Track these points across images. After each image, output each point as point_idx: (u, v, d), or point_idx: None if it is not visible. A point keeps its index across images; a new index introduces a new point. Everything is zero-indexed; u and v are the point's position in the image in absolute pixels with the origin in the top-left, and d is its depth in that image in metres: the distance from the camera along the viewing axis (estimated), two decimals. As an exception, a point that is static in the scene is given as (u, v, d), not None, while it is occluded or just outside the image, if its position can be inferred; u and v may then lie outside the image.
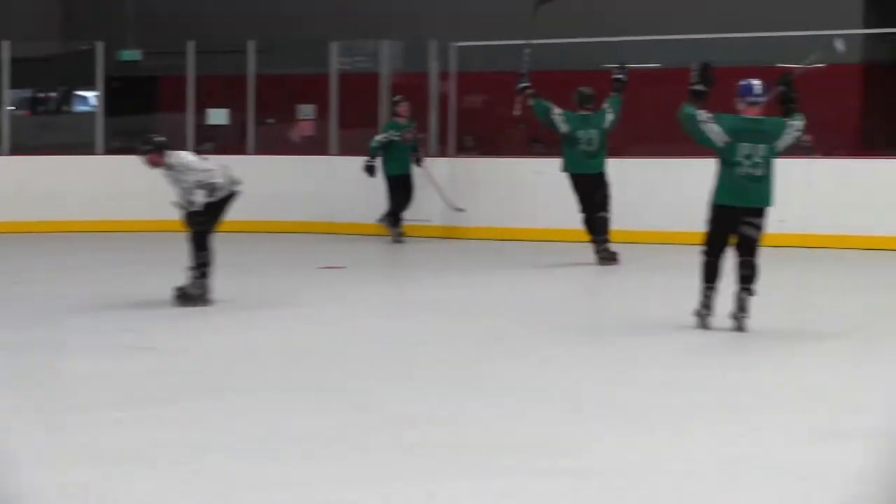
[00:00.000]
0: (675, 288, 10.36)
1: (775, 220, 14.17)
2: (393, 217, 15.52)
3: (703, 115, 9.24)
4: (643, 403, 7.00)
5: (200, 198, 10.28)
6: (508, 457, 5.93)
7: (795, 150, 13.40)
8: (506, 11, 18.38)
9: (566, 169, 13.36)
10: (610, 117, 13.34)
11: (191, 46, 17.47)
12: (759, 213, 9.31)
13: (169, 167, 10.32)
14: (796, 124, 9.34)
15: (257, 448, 6.09)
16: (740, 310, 9.16)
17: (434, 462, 5.86)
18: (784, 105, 9.46)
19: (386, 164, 15.53)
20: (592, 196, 13.18)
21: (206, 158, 10.62)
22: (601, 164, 13.26)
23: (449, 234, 15.81)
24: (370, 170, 15.37)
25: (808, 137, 15.56)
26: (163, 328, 9.60)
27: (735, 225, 9.27)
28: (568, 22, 17.43)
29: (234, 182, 10.52)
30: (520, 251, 14.62)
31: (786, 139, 9.32)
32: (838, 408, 6.89)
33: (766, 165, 9.25)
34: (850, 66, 15.24)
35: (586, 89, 13.56)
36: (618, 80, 13.55)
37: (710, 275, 9.31)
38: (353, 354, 8.59)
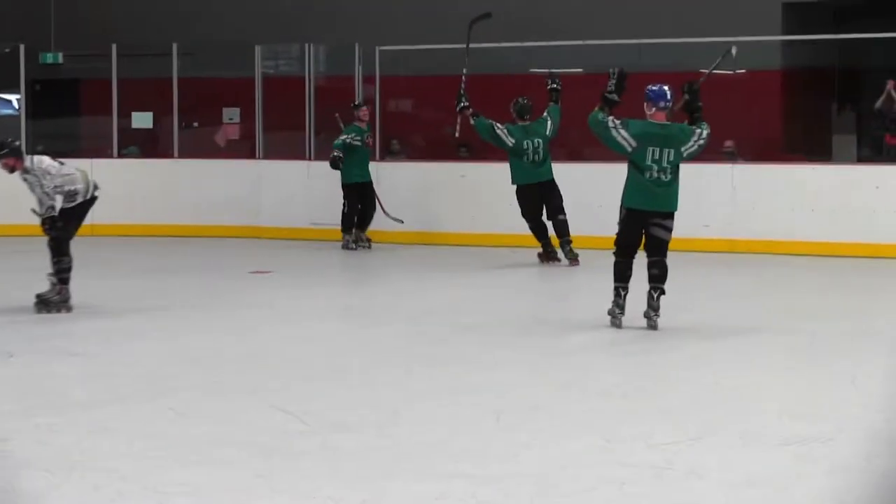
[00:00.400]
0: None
1: (700, 226, 14.58)
2: (347, 222, 15.25)
3: (612, 120, 9.46)
4: (572, 407, 7.06)
5: (59, 203, 10.18)
6: (442, 462, 5.97)
7: (719, 156, 13.66)
8: (430, 15, 18.46)
9: (516, 181, 13.57)
10: (550, 125, 13.49)
11: (114, 49, 17.34)
12: (667, 215, 9.53)
13: (26, 171, 10.19)
14: (702, 132, 9.54)
15: (190, 453, 6.08)
16: (652, 308, 9.45)
17: (367, 468, 5.88)
18: (689, 113, 9.67)
19: (345, 169, 15.21)
20: (549, 202, 13.50)
21: (63, 163, 10.47)
22: (550, 171, 13.57)
23: (378, 239, 15.81)
24: (336, 162, 15.08)
25: (730, 143, 15.86)
26: (92, 333, 9.54)
27: (645, 227, 9.52)
28: (493, 26, 17.51)
29: (94, 187, 10.42)
30: (447, 255, 14.66)
31: (691, 146, 9.51)
32: (761, 409, 6.99)
33: (673, 171, 9.48)
34: (769, 73, 15.46)
35: (524, 100, 13.70)
36: (553, 90, 13.67)
37: (621, 275, 9.59)
38: (283, 359, 8.58)
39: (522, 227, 14.05)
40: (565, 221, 13.51)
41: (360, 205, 15.25)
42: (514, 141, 13.46)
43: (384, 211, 15.17)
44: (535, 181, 13.53)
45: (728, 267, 13.49)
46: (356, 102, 15.66)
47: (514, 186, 13.65)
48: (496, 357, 8.65)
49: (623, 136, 9.42)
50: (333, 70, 17.89)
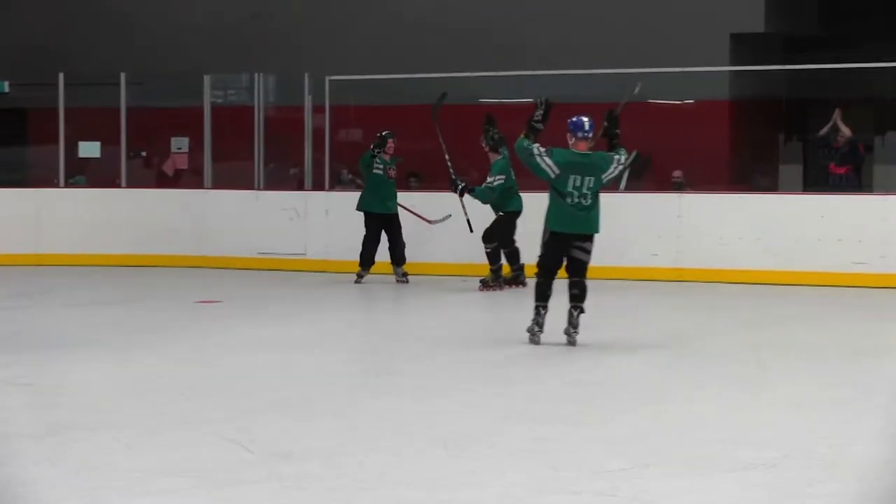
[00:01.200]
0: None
1: (648, 255, 14.67)
2: (363, 255, 14.75)
3: (537, 148, 9.96)
4: (519, 435, 7.05)
5: None
6: (389, 491, 5.95)
7: (667, 186, 13.77)
8: (380, 46, 18.52)
9: (511, 207, 13.83)
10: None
11: (61, 78, 17.27)
12: (587, 238, 10.07)
13: None
14: (620, 158, 10.07)
15: (134, 484, 6.03)
16: (571, 326, 9.98)
17: (313, 497, 5.85)
18: (608, 140, 10.25)
19: (366, 198, 14.85)
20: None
21: None
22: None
23: (325, 268, 15.80)
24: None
25: (679, 173, 15.98)
26: (36, 363, 9.46)
27: (567, 249, 10.05)
28: (443, 56, 17.60)
29: None
30: (394, 284, 14.66)
31: (611, 172, 10.05)
32: (706, 437, 7.02)
33: (593, 196, 9.99)
34: (718, 103, 15.58)
35: (497, 134, 13.85)
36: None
37: (542, 294, 10.10)
38: (229, 389, 8.54)
39: (473, 256, 14.11)
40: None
41: (386, 238, 14.77)
42: (510, 181, 13.75)
43: (428, 220, 14.93)
44: (519, 210, 13.81)
45: (675, 296, 13.56)
46: (382, 133, 14.95)
47: (501, 214, 13.88)
48: (441, 385, 8.64)
49: (547, 164, 9.93)
50: (283, 100, 17.90)
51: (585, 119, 10.05)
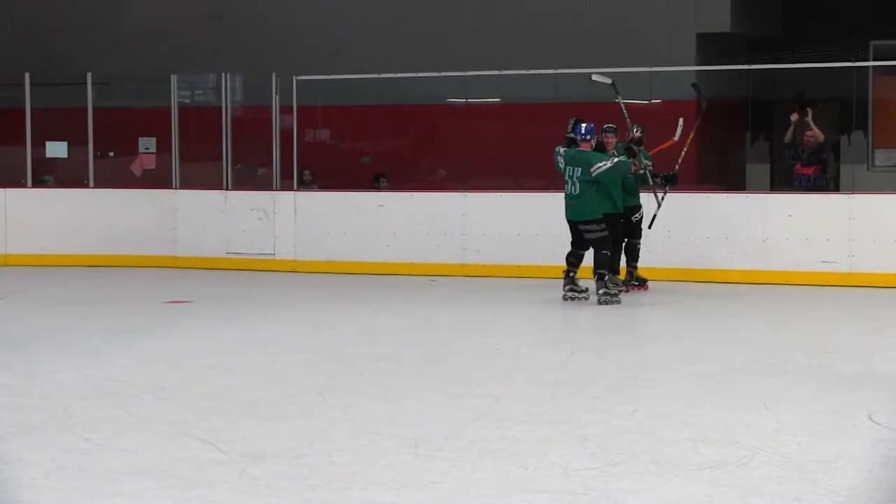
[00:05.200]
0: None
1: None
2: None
3: (559, 149, 12.77)
4: (490, 435, 7.08)
5: None
6: (360, 491, 5.97)
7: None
8: (347, 46, 18.52)
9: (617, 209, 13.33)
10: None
11: (27, 78, 17.20)
12: (584, 222, 12.67)
13: None
14: (614, 159, 12.57)
15: (105, 484, 6.03)
16: (598, 290, 12.60)
17: (285, 497, 5.86)
18: (627, 152, 12.96)
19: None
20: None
21: None
22: None
23: (294, 268, 15.80)
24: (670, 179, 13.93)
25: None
26: (4, 364, 9.44)
27: (576, 231, 12.82)
28: (410, 56, 17.61)
29: None
30: (364, 285, 14.67)
31: (599, 166, 12.44)
32: (675, 437, 7.06)
33: (582, 186, 12.54)
34: (684, 102, 15.61)
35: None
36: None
37: (567, 261, 12.87)
38: (199, 390, 8.54)
39: (440, 256, 14.13)
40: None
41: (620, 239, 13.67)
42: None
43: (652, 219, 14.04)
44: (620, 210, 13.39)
45: (643, 296, 13.59)
46: (605, 127, 13.52)
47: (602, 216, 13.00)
48: (412, 386, 8.66)
49: (559, 162, 12.82)
50: (250, 100, 17.86)
51: (583, 126, 12.64)
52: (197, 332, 11.27)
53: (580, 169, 12.49)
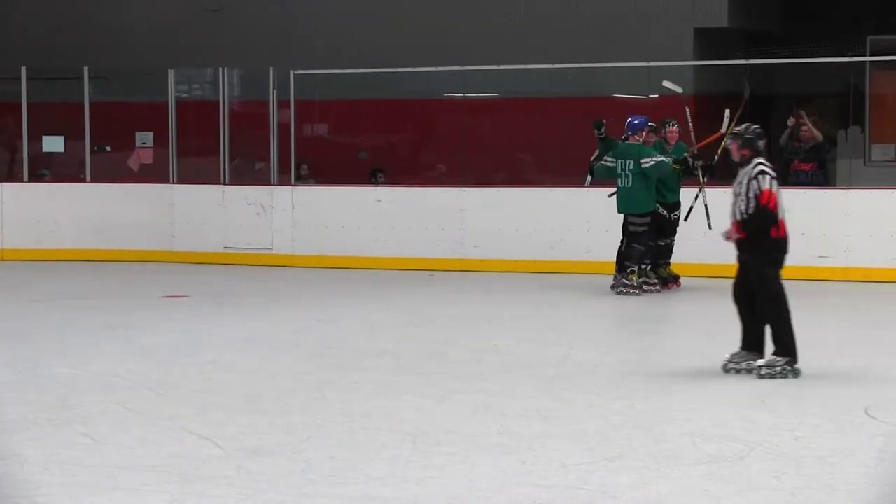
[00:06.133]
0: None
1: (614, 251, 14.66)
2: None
3: (596, 162, 13.19)
4: (488, 430, 7.08)
5: None
6: (358, 485, 5.97)
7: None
8: (345, 40, 18.51)
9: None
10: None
11: (23, 72, 17.17)
12: (631, 214, 12.89)
13: None
14: (655, 158, 12.76)
15: (104, 479, 6.03)
16: (620, 278, 12.91)
17: (283, 491, 5.87)
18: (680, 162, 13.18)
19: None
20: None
21: None
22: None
23: (292, 263, 15.79)
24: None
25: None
26: (2, 359, 9.43)
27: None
28: (408, 50, 17.60)
29: None
30: (362, 280, 14.66)
31: (646, 160, 12.67)
32: (673, 431, 7.06)
33: (634, 178, 12.76)
34: (681, 97, 15.61)
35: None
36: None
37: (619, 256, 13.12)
38: (197, 385, 8.54)
39: (438, 252, 14.12)
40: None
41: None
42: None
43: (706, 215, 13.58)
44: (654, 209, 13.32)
45: (640, 291, 13.56)
46: (665, 120, 13.70)
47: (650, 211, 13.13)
48: (410, 381, 8.66)
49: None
50: (248, 95, 17.85)
51: (636, 122, 12.88)
52: (194, 326, 11.26)
53: (632, 161, 12.76)
